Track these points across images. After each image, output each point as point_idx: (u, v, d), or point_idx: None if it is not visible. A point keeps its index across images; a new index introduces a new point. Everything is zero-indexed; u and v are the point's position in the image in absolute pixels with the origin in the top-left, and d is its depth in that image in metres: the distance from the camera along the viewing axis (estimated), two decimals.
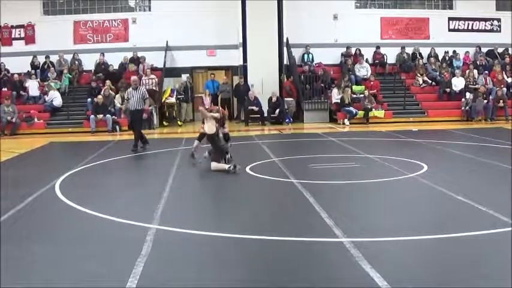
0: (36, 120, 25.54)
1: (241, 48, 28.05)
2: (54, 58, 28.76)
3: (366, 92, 26.48)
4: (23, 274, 6.44)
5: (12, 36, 29.50)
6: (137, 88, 17.72)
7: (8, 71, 28.30)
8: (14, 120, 24.89)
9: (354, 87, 27.56)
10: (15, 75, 27.52)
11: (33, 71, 28.36)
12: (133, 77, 18.86)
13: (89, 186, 12.21)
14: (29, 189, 11.34)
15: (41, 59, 28.71)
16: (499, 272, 6.04)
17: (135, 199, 10.75)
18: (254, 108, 26.48)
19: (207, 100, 26.94)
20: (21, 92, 27.08)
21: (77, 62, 28.74)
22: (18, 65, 28.07)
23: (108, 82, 26.71)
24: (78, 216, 9.22)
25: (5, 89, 27.34)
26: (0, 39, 29.25)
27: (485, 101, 26.16)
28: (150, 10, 29.86)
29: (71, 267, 6.61)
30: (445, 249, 7.04)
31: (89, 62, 29.00)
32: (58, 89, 27.02)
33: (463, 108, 26.15)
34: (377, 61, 29.88)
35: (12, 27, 29.38)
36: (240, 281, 6.11)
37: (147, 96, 18.15)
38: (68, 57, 28.88)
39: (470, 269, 6.19)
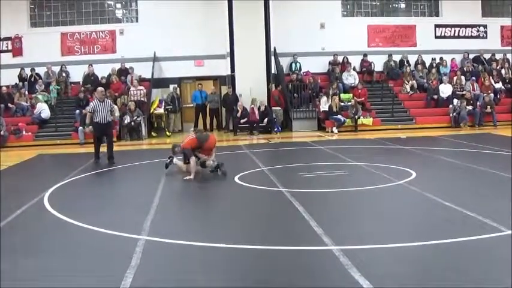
0: (24, 132, 25.48)
1: (229, 58, 28.06)
2: (41, 70, 28.71)
3: (353, 101, 26.53)
4: (7, 286, 6.42)
5: (0, 48, 29.44)
6: (104, 100, 17.38)
7: None
8: (2, 133, 24.82)
9: (342, 95, 27.59)
10: (3, 88, 27.43)
11: (21, 84, 28.30)
12: (100, 88, 18.38)
13: (78, 198, 12.21)
14: (17, 201, 11.31)
15: (29, 71, 28.65)
16: (489, 277, 6.08)
17: (124, 210, 10.74)
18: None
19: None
20: (9, 104, 27.01)
21: (64, 74, 28.68)
22: (5, 78, 28.01)
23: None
24: (67, 229, 9.20)
25: None
26: None
27: (472, 107, 26.28)
28: (137, 21, 29.82)
29: (60, 280, 6.58)
30: (434, 255, 7.06)
31: (76, 74, 28.95)
32: (46, 101, 26.96)
33: (450, 114, 26.23)
34: (364, 69, 29.94)
35: None
36: None
37: (114, 107, 18.13)
38: (56, 69, 28.83)
39: (459, 276, 6.20)
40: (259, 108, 26.64)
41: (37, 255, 7.68)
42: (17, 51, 29.33)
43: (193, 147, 13.93)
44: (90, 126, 17.42)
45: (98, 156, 17.37)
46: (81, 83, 28.29)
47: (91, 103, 17.90)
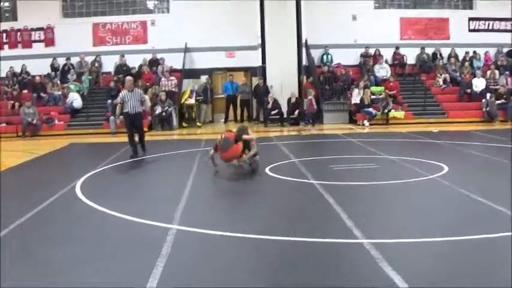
0: (56, 121, 25.70)
1: (260, 49, 28.02)
2: (73, 60, 28.92)
3: (384, 94, 26.38)
4: (43, 274, 6.47)
5: (32, 38, 29.70)
6: (133, 90, 16.88)
7: (29, 73, 28.50)
8: (34, 121, 25.06)
9: (374, 88, 27.45)
10: (36, 77, 27.71)
11: (53, 73, 28.54)
12: (128, 77, 17.78)
13: (109, 187, 12.28)
14: (50, 190, 11.40)
15: (61, 61, 28.91)
16: None
17: (155, 199, 10.76)
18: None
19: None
20: (41, 93, 27.24)
21: (97, 64, 28.85)
22: (38, 67, 28.28)
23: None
24: (98, 217, 9.26)
25: (26, 91, 27.54)
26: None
27: (506, 102, 25.99)
28: (168, 12, 29.94)
29: (91, 268, 6.63)
30: (464, 251, 7.00)
31: (108, 64, 29.14)
32: (78, 91, 27.15)
33: (483, 109, 25.98)
34: (396, 62, 29.78)
35: (32, 29, 29.59)
36: (260, 282, 6.10)
37: (145, 97, 17.67)
38: (88, 59, 29.02)
39: (489, 272, 6.13)
40: (289, 100, 26.58)
41: (69, 243, 7.72)
42: (49, 41, 29.58)
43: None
44: (121, 116, 17.09)
45: (132, 146, 16.66)
46: (112, 73, 28.45)
47: (120, 93, 17.40)
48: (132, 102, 16.56)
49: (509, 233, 7.41)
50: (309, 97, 25.91)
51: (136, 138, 16.95)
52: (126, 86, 17.16)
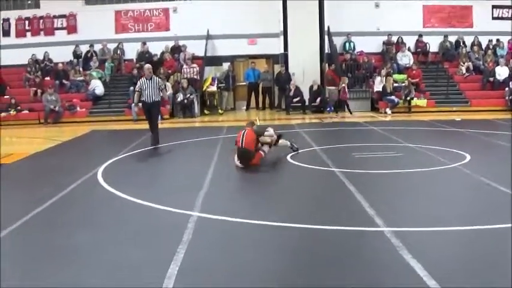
0: (78, 108, 25.82)
1: (282, 37, 27.93)
2: (96, 47, 29.02)
3: (407, 82, 26.24)
4: (65, 259, 6.52)
5: (55, 26, 29.87)
6: (152, 78, 16.39)
7: (51, 61, 28.64)
8: (57, 108, 25.20)
9: (396, 76, 27.30)
10: (59, 65, 27.85)
11: (75, 60, 28.66)
12: (147, 65, 17.29)
13: (131, 174, 12.33)
14: (72, 176, 11.48)
15: (83, 48, 29.01)
16: None
17: (176, 186, 10.80)
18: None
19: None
20: (63, 80, 27.37)
21: (119, 51, 28.92)
22: (60, 55, 28.41)
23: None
24: (120, 203, 9.31)
25: (48, 78, 27.69)
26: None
27: None
28: None
29: (113, 253, 6.68)
30: (485, 240, 6.96)
31: (130, 51, 29.19)
32: (100, 78, 27.25)
33: (506, 97, 25.78)
34: (419, 49, 29.59)
35: (54, 17, 29.74)
36: (281, 269, 6.11)
37: (163, 86, 17.27)
38: (111, 46, 29.10)
39: (510, 261, 6.09)
40: (311, 88, 26.53)
41: (90, 228, 7.79)
42: (72, 29, 29.70)
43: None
44: (140, 104, 16.73)
45: (156, 138, 16.36)
46: (134, 60, 28.50)
47: (139, 81, 16.87)
48: (149, 91, 16.20)
49: None
50: (343, 85, 25.75)
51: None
52: (144, 74, 16.74)
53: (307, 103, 26.53)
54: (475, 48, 29.22)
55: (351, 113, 25.23)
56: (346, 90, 25.77)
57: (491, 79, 27.17)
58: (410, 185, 10.67)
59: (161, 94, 16.69)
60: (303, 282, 5.70)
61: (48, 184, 10.94)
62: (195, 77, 27.24)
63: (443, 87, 27.14)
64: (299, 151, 13.83)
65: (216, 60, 29.17)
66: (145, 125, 17.73)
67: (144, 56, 28.21)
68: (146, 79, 16.33)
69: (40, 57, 28.88)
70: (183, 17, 29.31)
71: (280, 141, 13.62)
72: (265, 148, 12.93)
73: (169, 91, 25.55)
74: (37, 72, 27.78)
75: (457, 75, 28.26)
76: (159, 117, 22.06)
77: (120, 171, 12.59)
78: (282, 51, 28.03)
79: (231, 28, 28.73)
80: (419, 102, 25.80)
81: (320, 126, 21.81)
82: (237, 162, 12.34)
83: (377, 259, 6.36)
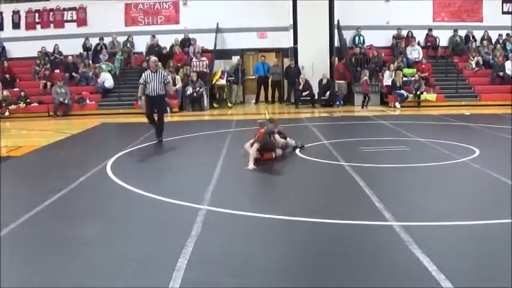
0: (88, 101, 25.86)
1: (291, 31, 27.91)
2: (106, 40, 29.04)
3: (416, 76, 26.16)
4: (73, 253, 6.55)
5: (65, 18, 29.85)
6: (157, 71, 15.82)
7: (61, 53, 28.68)
8: (66, 101, 25.25)
9: (406, 70, 27.24)
10: (68, 57, 27.89)
11: (85, 53, 28.70)
12: (153, 58, 16.64)
13: (140, 167, 12.37)
14: (81, 169, 11.50)
15: (93, 41, 29.02)
16: None
17: (185, 180, 10.82)
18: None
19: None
20: (73, 73, 27.42)
21: (129, 44, 28.93)
22: (70, 47, 28.45)
23: (159, 64, 26.86)
24: (129, 196, 9.33)
25: (58, 71, 27.75)
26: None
27: None
28: None
29: (121, 246, 6.70)
30: (495, 235, 6.95)
31: (139, 44, 29.20)
32: (109, 71, 27.26)
33: None
34: (429, 44, 29.50)
35: (64, 9, 29.76)
36: (289, 263, 6.12)
37: (169, 79, 16.64)
38: (120, 39, 29.11)
39: None
40: (321, 81, 26.50)
41: (99, 221, 7.82)
42: (82, 21, 29.70)
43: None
44: (143, 97, 15.93)
45: (160, 133, 15.85)
46: (144, 53, 28.50)
47: (143, 74, 16.14)
48: (154, 84, 15.55)
49: None
50: (365, 78, 25.70)
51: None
52: (150, 66, 16.12)
53: (316, 97, 26.51)
54: (485, 42, 29.11)
55: (366, 107, 25.21)
56: (368, 82, 25.72)
57: (501, 74, 27.08)
58: (419, 179, 10.66)
59: (167, 88, 16.07)
60: (310, 277, 5.71)
61: (57, 177, 10.98)
62: (205, 70, 27.23)
63: (452, 82, 27.06)
64: (305, 146, 13.75)
65: (225, 54, 29.14)
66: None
67: (154, 49, 28.20)
68: (151, 72, 15.72)
69: (50, 49, 28.88)
70: (193, 10, 29.27)
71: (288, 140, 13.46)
72: (278, 151, 12.75)
73: (179, 84, 25.62)
74: (47, 65, 27.80)
75: (466, 69, 28.16)
76: (168, 109, 22.14)
77: (129, 164, 12.62)
78: (292, 45, 28.02)
79: (240, 21, 28.67)
80: (429, 96, 25.73)
81: (329, 120, 21.79)
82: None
83: (386, 253, 6.37)
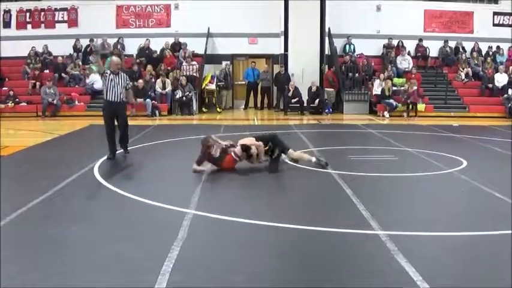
0: (77, 102, 25.81)
1: (282, 37, 27.96)
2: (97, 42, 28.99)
3: (406, 86, 26.24)
4: (59, 254, 6.52)
5: (56, 19, 29.81)
6: (118, 73, 13.50)
7: (51, 54, 28.62)
8: (55, 102, 25.19)
9: (395, 80, 27.34)
10: (58, 58, 27.83)
11: (75, 54, 28.64)
12: (115, 58, 14.26)
13: (127, 170, 12.36)
14: (68, 170, 11.47)
15: (84, 42, 28.96)
16: None
17: (172, 184, 10.81)
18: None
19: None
20: (62, 74, 27.35)
21: (119, 46, 28.89)
22: (60, 48, 28.38)
23: (149, 67, 26.92)
24: (115, 199, 9.32)
25: (47, 71, 27.68)
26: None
27: None
28: None
29: (106, 249, 6.67)
30: (481, 246, 6.97)
31: (130, 47, 29.17)
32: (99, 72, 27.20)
33: (508, 105, 25.76)
34: (419, 54, 29.65)
35: (55, 10, 29.72)
36: (275, 269, 6.11)
37: (130, 84, 14.16)
38: (111, 41, 29.06)
39: (506, 267, 6.09)
40: (310, 89, 26.55)
41: (85, 223, 7.79)
42: (73, 22, 29.67)
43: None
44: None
45: (113, 150, 13.52)
46: (135, 56, 28.48)
47: (104, 75, 13.47)
48: (117, 89, 13.35)
49: None
50: (414, 87, 25.72)
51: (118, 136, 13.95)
52: (111, 68, 13.66)
53: (305, 104, 26.55)
54: (475, 54, 29.27)
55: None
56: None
57: (490, 86, 27.21)
58: (406, 188, 10.70)
59: (127, 95, 13.91)
60: (295, 283, 5.72)
61: (43, 177, 10.93)
62: (194, 74, 27.25)
63: (442, 93, 27.16)
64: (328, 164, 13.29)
65: (216, 59, 29.17)
66: (143, 121, 17.73)
67: (145, 52, 28.22)
68: (114, 74, 13.43)
69: (40, 50, 28.81)
70: (184, 14, 29.30)
71: (302, 155, 12.88)
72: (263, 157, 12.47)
73: (169, 87, 25.62)
74: (36, 65, 27.73)
75: (456, 80, 28.31)
76: (157, 113, 22.09)
77: (117, 167, 12.59)
78: (282, 51, 28.06)
79: (232, 27, 28.71)
80: (418, 106, 25.80)
81: (318, 128, 21.83)
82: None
83: (371, 262, 6.37)
